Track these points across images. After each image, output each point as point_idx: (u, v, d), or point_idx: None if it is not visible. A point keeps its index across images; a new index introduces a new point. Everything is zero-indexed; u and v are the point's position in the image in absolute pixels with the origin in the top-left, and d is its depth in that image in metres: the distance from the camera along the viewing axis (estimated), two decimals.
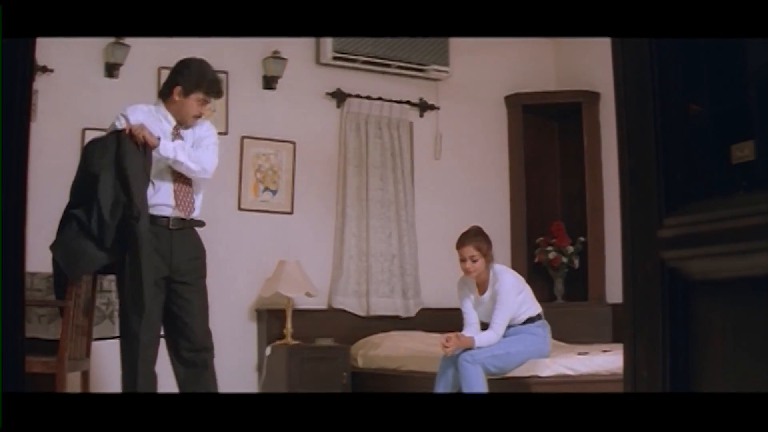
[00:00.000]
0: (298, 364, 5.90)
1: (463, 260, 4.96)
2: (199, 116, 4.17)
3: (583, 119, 7.07)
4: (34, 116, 5.36)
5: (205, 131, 4.26)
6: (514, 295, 4.92)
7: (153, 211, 4.02)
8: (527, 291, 5.05)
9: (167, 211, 4.08)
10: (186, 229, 4.14)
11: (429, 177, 7.06)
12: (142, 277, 3.89)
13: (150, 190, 3.98)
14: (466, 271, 4.97)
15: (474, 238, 4.98)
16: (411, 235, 6.88)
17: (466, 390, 4.67)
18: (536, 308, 5.04)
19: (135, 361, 3.93)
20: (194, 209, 4.15)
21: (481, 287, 4.99)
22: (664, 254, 1.49)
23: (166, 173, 4.09)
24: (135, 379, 3.91)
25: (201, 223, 4.23)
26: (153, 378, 4.01)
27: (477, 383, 4.67)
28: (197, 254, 4.19)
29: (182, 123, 4.15)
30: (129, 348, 3.95)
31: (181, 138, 4.15)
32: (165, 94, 4.16)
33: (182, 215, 4.10)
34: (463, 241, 4.98)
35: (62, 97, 5.80)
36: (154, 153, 3.98)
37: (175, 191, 4.09)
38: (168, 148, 4.01)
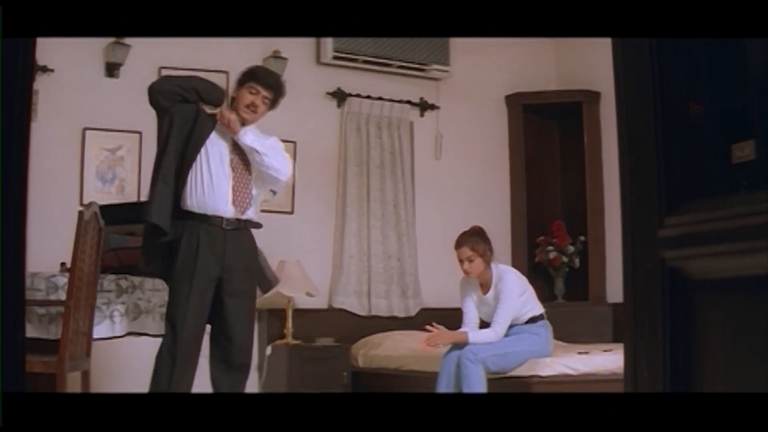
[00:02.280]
0: (298, 363, 5.90)
1: (461, 261, 4.96)
2: (250, 105, 4.16)
3: (583, 119, 7.08)
4: (34, 116, 5.36)
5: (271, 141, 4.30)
6: (517, 295, 4.92)
7: (207, 210, 4.04)
8: (530, 291, 5.05)
9: (222, 210, 4.08)
10: (241, 229, 4.12)
11: (429, 177, 7.07)
12: (194, 275, 3.96)
13: (207, 188, 4.05)
14: (465, 273, 4.97)
15: (469, 239, 4.96)
16: (411, 235, 6.88)
17: (465, 389, 4.67)
18: (539, 309, 5.04)
19: (174, 354, 3.93)
20: (250, 206, 4.13)
21: (485, 287, 4.98)
22: (664, 254, 1.49)
23: (223, 170, 4.09)
24: (171, 376, 3.92)
25: (257, 225, 4.19)
26: (191, 377, 4.02)
27: (477, 383, 4.67)
28: (250, 257, 4.17)
29: (240, 116, 4.16)
30: (169, 342, 3.96)
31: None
32: (231, 101, 4.24)
33: (238, 215, 4.10)
34: (459, 243, 4.98)
35: (63, 97, 5.80)
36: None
37: (233, 188, 4.09)
38: (248, 137, 4.09)
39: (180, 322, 3.96)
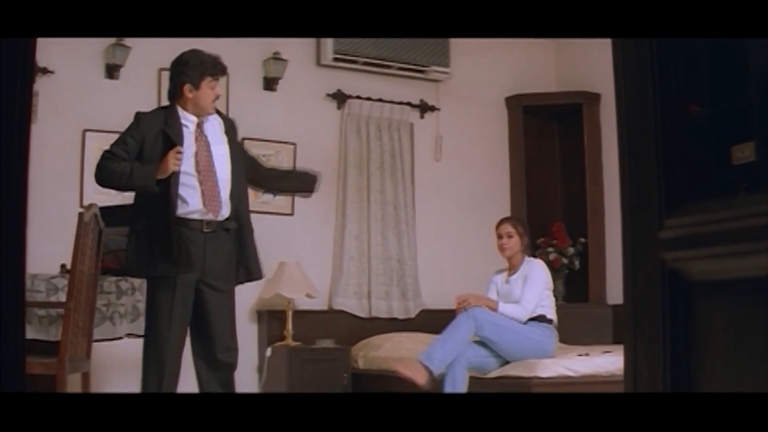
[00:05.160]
0: (298, 365, 5.90)
1: (499, 237, 5.18)
2: (216, 98, 4.16)
3: (583, 120, 7.08)
4: (34, 118, 5.36)
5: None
6: (543, 286, 5.05)
7: (185, 215, 4.02)
8: (550, 294, 5.20)
9: (198, 215, 4.05)
10: (218, 231, 4.11)
11: (429, 178, 7.07)
12: (177, 280, 3.95)
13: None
14: (501, 248, 5.16)
15: (512, 218, 5.38)
16: (411, 237, 6.88)
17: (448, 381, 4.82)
18: (551, 314, 5.14)
19: (162, 363, 3.93)
20: (221, 207, 4.11)
21: (512, 269, 5.15)
22: (664, 255, 1.49)
23: (193, 176, 4.05)
24: (161, 380, 3.92)
25: (233, 225, 4.16)
26: (176, 379, 4.02)
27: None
28: (230, 258, 4.15)
29: (203, 113, 4.14)
30: (156, 349, 3.96)
31: (206, 137, 4.14)
32: (175, 96, 4.14)
33: (212, 217, 4.08)
34: (501, 220, 5.28)
35: (63, 99, 5.80)
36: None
37: (203, 192, 4.06)
38: None
39: (166, 329, 3.95)
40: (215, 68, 4.13)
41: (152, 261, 3.98)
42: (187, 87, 4.08)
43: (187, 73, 4.09)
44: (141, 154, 4.01)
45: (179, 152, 3.98)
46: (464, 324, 4.87)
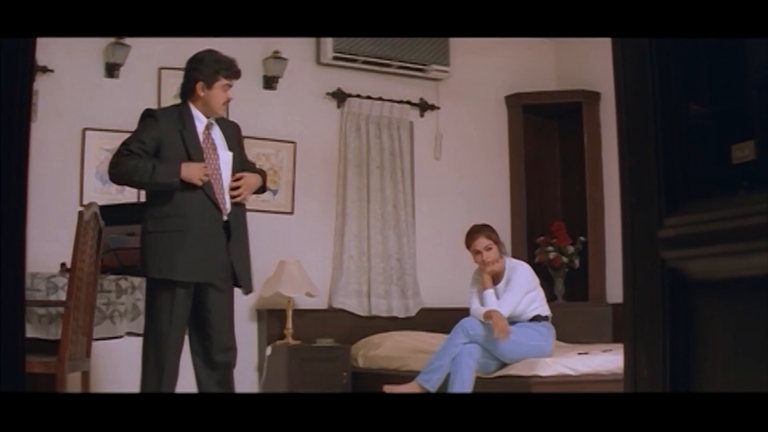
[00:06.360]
0: (298, 364, 5.90)
1: (477, 252, 5.04)
2: (227, 102, 4.15)
3: (583, 119, 7.08)
4: (34, 116, 5.36)
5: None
6: (525, 291, 5.00)
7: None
8: (539, 292, 5.16)
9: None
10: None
11: (429, 177, 7.07)
12: (177, 279, 3.95)
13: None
14: (483, 263, 5.04)
15: (482, 229, 5.13)
16: (411, 235, 6.88)
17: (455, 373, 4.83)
18: (545, 310, 5.12)
19: (162, 362, 3.93)
20: (227, 208, 4.12)
21: (496, 278, 5.08)
22: (664, 254, 1.49)
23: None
24: (161, 378, 3.92)
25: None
26: (175, 378, 4.03)
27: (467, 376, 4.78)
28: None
29: (212, 114, 4.13)
30: (156, 347, 3.96)
31: (212, 139, 4.13)
32: (187, 93, 4.13)
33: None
34: (473, 235, 5.09)
35: (63, 98, 5.80)
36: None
37: (208, 194, 4.05)
38: None
39: (166, 327, 3.95)
40: (229, 70, 4.13)
41: (176, 263, 3.96)
42: (199, 85, 4.08)
43: (202, 71, 4.09)
44: (158, 153, 4.00)
45: (206, 167, 4.00)
46: (458, 339, 4.89)
